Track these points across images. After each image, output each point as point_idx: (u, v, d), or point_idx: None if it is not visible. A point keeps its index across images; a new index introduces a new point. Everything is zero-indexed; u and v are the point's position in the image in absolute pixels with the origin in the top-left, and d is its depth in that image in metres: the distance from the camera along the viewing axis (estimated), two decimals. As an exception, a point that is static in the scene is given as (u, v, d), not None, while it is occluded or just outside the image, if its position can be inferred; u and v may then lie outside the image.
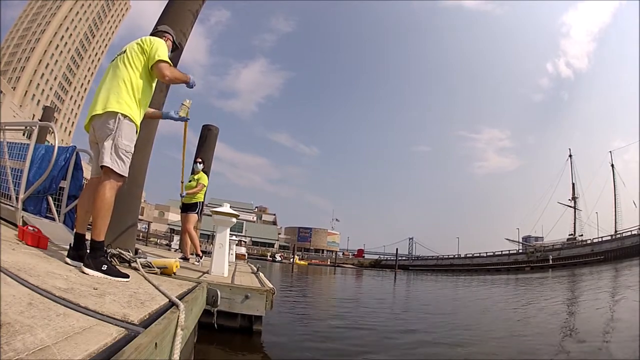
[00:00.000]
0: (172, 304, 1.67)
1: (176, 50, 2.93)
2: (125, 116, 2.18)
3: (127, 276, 2.09)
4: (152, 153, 4.37)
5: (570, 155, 54.51)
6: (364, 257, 72.50)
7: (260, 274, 5.33)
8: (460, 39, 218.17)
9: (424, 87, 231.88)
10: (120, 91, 2.20)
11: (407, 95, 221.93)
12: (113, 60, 2.39)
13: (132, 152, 2.25)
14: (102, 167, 2.14)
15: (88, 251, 2.10)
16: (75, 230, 2.32)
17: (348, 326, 4.92)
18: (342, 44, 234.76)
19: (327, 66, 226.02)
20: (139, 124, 2.32)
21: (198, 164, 5.83)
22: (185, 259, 5.43)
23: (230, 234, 4.51)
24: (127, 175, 2.23)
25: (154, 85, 2.47)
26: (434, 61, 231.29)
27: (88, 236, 2.17)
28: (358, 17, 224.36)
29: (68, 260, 2.17)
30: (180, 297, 1.86)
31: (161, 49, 2.38)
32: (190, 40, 4.83)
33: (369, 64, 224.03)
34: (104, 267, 2.02)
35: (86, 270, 1.99)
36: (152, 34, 2.73)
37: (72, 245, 2.23)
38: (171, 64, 2.40)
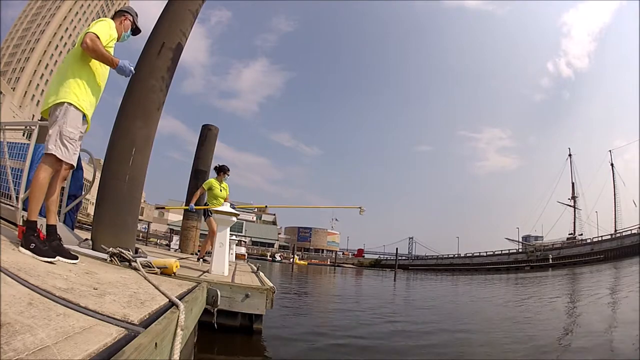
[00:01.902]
0: (172, 304, 1.67)
1: (138, 34, 2.90)
2: (71, 104, 2.25)
3: (53, 256, 2.06)
4: (152, 154, 4.37)
5: (569, 155, 54.57)
6: (363, 256, 72.46)
7: (261, 273, 5.33)
8: (461, 39, 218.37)
9: (425, 87, 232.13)
10: (67, 79, 2.28)
11: (407, 95, 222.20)
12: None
13: (77, 140, 2.30)
14: (45, 153, 2.20)
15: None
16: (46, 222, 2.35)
17: (348, 325, 4.92)
18: (343, 44, 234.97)
19: (328, 66, 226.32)
20: (89, 107, 2.37)
21: (227, 175, 5.93)
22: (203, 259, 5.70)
23: (230, 234, 4.51)
24: (71, 162, 2.28)
25: (102, 67, 2.46)
26: (435, 61, 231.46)
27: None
28: (359, 17, 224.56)
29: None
30: (180, 297, 1.86)
31: (98, 25, 2.39)
32: (191, 40, 4.83)
33: (370, 64, 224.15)
34: (32, 246, 2.03)
35: (20, 249, 2.04)
36: (114, 13, 2.77)
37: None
38: (99, 37, 2.30)
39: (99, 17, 2.88)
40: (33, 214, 2.16)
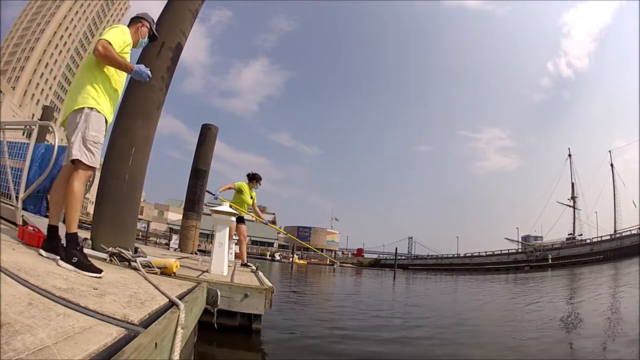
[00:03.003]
0: (172, 304, 1.68)
1: (155, 40, 2.88)
2: (91, 109, 2.24)
3: (99, 271, 2.02)
4: (152, 153, 4.37)
5: (569, 155, 54.54)
6: (363, 256, 72.41)
7: (260, 272, 5.33)
8: (461, 39, 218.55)
9: (425, 87, 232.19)
10: (84, 86, 2.27)
11: (407, 95, 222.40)
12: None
13: (101, 143, 2.29)
14: (72, 161, 2.19)
15: (64, 244, 2.11)
16: (48, 222, 2.32)
17: (347, 324, 4.92)
18: (343, 44, 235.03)
19: (328, 66, 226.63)
20: (108, 114, 2.36)
21: (259, 184, 6.17)
22: (246, 265, 5.90)
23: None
24: (97, 166, 2.27)
25: (118, 75, 2.45)
26: (435, 61, 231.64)
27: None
28: (359, 17, 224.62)
29: (42, 252, 2.16)
30: (180, 297, 1.86)
31: (110, 32, 2.36)
32: (191, 39, 4.83)
33: (370, 64, 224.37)
34: (74, 260, 2.01)
35: (61, 263, 2.01)
36: (130, 20, 2.74)
37: (46, 237, 2.24)
38: (112, 43, 2.27)
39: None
40: (73, 225, 2.12)
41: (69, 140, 2.24)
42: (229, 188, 5.88)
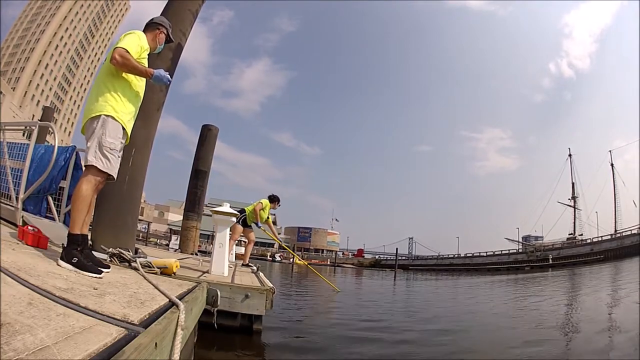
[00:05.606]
0: (172, 304, 1.67)
1: (170, 43, 2.86)
2: (108, 116, 2.24)
3: (99, 272, 2.01)
4: (152, 153, 4.37)
5: (570, 155, 54.52)
6: (363, 256, 72.39)
7: (260, 273, 5.33)
8: (463, 39, 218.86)
9: (426, 87, 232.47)
10: (103, 93, 2.27)
11: (407, 95, 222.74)
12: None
13: (117, 150, 2.29)
14: (85, 166, 2.21)
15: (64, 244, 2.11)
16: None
17: (347, 325, 4.91)
18: (345, 44, 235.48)
19: (330, 66, 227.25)
20: (126, 122, 2.35)
21: (279, 205, 6.99)
22: (247, 265, 6.44)
23: (230, 234, 4.51)
24: (112, 173, 2.25)
25: (137, 79, 2.43)
26: (436, 61, 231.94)
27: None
28: (361, 17, 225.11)
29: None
30: (180, 297, 1.86)
31: (126, 38, 2.34)
32: (193, 39, 4.84)
33: (371, 64, 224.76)
34: (74, 260, 2.00)
35: (61, 263, 2.00)
36: (146, 25, 2.71)
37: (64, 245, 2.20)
38: (129, 51, 2.25)
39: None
40: (75, 227, 2.12)
41: (86, 146, 2.24)
42: (259, 208, 6.48)
